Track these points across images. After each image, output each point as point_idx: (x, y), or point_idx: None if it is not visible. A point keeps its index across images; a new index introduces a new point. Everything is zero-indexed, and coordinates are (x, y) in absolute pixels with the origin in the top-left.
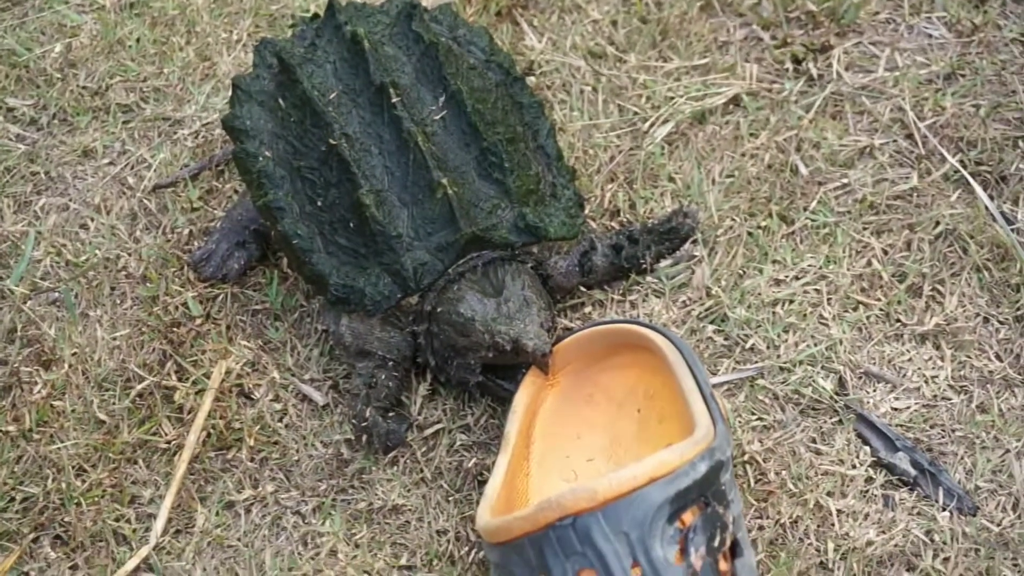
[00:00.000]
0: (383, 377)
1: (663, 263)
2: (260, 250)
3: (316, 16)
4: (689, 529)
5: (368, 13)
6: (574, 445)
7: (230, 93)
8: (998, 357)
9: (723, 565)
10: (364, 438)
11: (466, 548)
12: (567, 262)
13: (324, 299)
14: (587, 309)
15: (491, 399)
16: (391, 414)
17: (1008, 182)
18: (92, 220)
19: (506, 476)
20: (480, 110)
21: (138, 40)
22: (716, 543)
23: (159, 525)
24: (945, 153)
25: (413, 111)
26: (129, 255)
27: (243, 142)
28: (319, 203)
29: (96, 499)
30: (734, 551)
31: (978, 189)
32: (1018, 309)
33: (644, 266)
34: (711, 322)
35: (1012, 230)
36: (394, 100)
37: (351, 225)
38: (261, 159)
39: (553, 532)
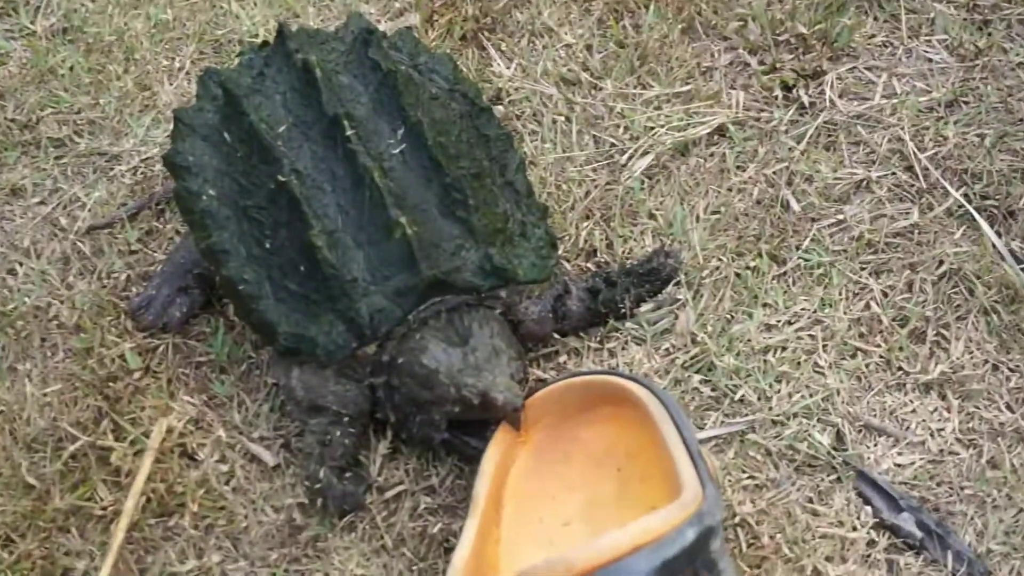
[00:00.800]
0: (338, 434)
1: (644, 307)
2: (204, 296)
3: (265, 43)
4: None
5: (322, 40)
6: (549, 508)
7: (172, 126)
8: (1009, 408)
9: None
10: (318, 501)
11: None
12: (539, 307)
13: (273, 349)
14: (562, 358)
15: (458, 458)
16: (347, 475)
17: (1016, 217)
18: (20, 265)
19: (475, 544)
20: (442, 143)
21: (72, 68)
22: None
23: None
24: (948, 186)
25: (369, 144)
26: (61, 303)
27: (185, 180)
28: (267, 245)
29: (25, 572)
30: None
31: (984, 225)
32: None
33: (623, 311)
34: (697, 372)
35: (1022, 269)
36: (349, 133)
37: (302, 269)
38: (204, 198)
39: None
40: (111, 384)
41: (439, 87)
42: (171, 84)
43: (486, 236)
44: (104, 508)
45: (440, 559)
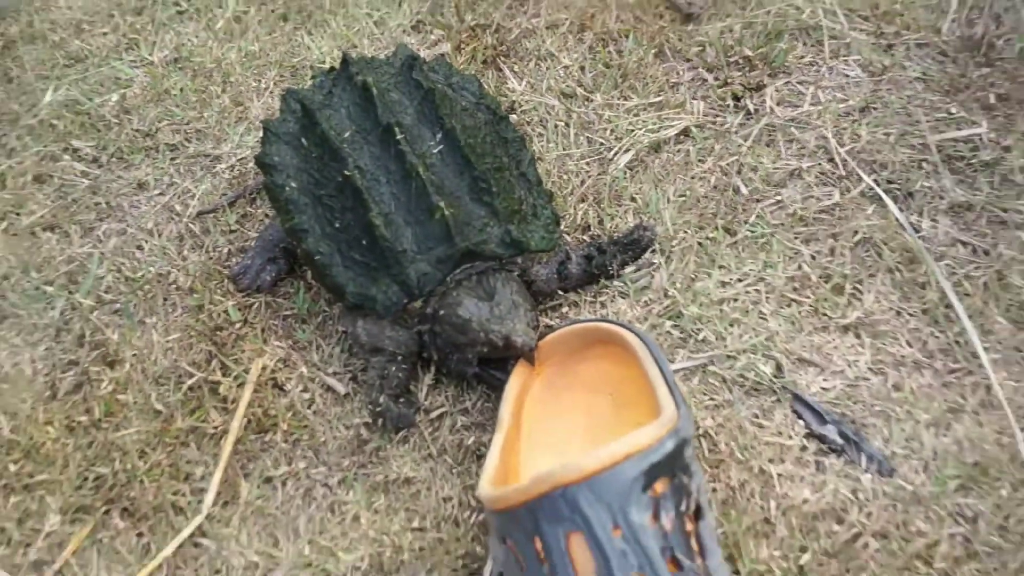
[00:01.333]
0: (393, 369)
1: (627, 270)
2: (288, 265)
3: (332, 68)
4: (660, 497)
5: (376, 65)
6: (556, 425)
7: (261, 134)
8: (908, 344)
9: (688, 526)
10: (379, 421)
11: (467, 512)
12: (547, 270)
13: (343, 305)
14: (564, 309)
15: (486, 387)
16: (401, 400)
17: (914, 197)
18: (146, 242)
19: (501, 452)
20: (471, 144)
21: (181, 90)
22: (683, 508)
23: (209, 498)
24: (862, 174)
25: (415, 146)
26: (178, 271)
27: (272, 175)
28: (336, 225)
29: (156, 477)
30: (697, 514)
31: (889, 203)
32: (924, 303)
33: (611, 272)
34: (668, 318)
35: (919, 237)
36: (399, 137)
37: (364, 243)
38: (288, 189)
39: (546, 501)
40: (218, 333)
41: (468, 101)
42: (259, 101)
43: (506, 216)
44: (215, 428)
45: (473, 463)
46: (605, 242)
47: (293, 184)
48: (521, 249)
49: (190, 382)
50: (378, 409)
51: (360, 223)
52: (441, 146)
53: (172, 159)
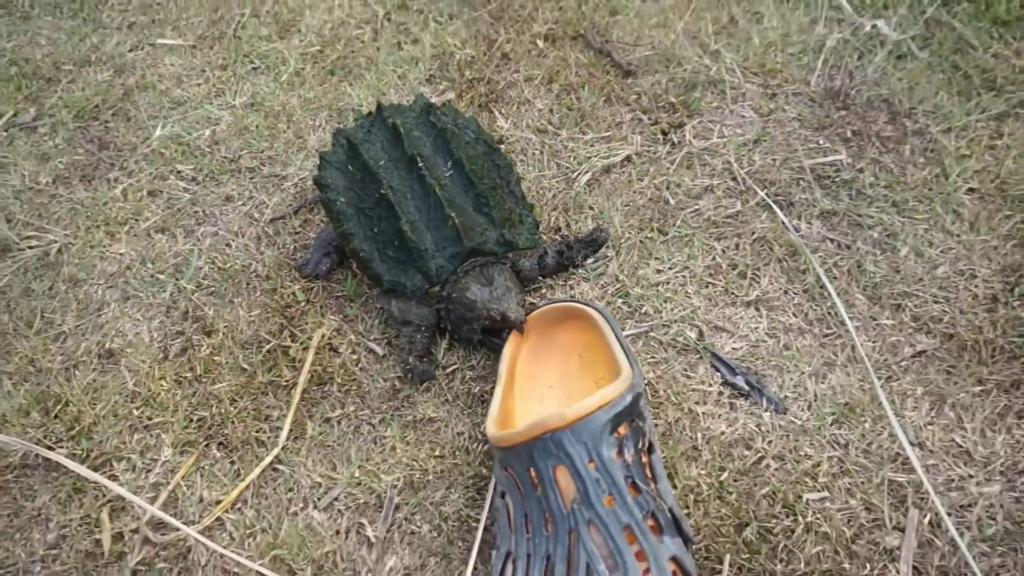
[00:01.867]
0: (419, 337)
1: (588, 261)
2: (339, 258)
3: (370, 113)
4: (623, 438)
5: (402, 110)
6: (540, 378)
7: (318, 161)
8: (794, 315)
9: (644, 459)
10: (409, 376)
11: (475, 444)
12: (530, 262)
13: (380, 289)
14: (543, 291)
15: (487, 349)
16: (425, 360)
17: (794, 206)
18: (233, 241)
19: (501, 400)
20: (474, 170)
21: (257, 127)
22: (639, 445)
23: (284, 434)
24: (757, 189)
25: (432, 171)
26: (257, 263)
27: (327, 193)
28: (375, 230)
29: (244, 418)
30: (650, 450)
31: (777, 211)
32: (804, 285)
33: (577, 263)
34: (619, 297)
35: (799, 235)
36: (420, 165)
37: (396, 243)
38: (338, 203)
39: (539, 442)
40: (288, 309)
41: (470, 136)
42: (314, 135)
43: (500, 223)
44: (287, 381)
45: (479, 406)
46: (572, 240)
47: (342, 199)
48: (512, 247)
49: (267, 347)
50: (408, 367)
51: (392, 229)
52: (451, 171)
53: (251, 178)
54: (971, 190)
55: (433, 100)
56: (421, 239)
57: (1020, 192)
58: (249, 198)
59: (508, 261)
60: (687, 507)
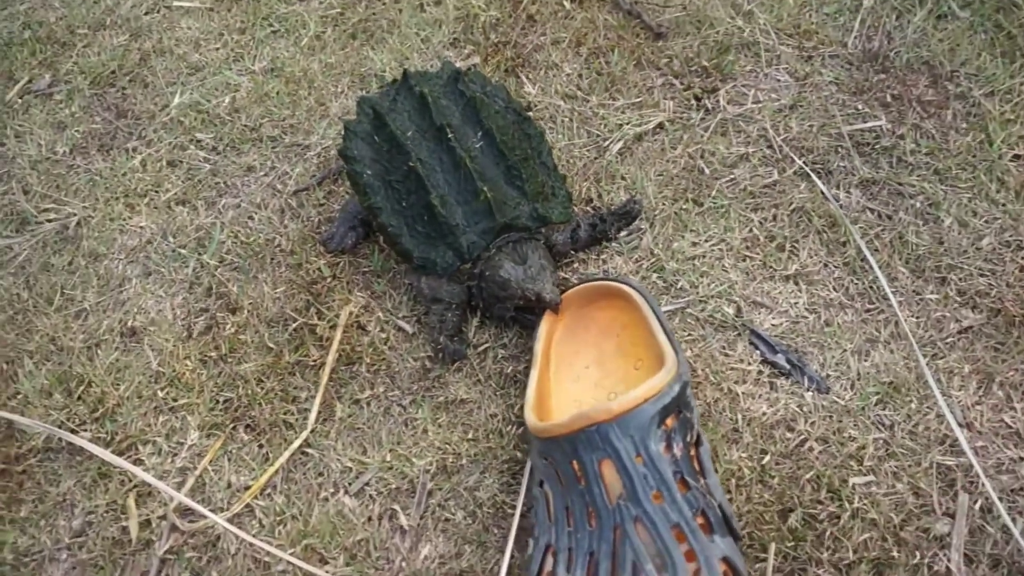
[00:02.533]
0: (449, 315)
1: (622, 234)
2: (365, 232)
3: (395, 80)
4: (671, 430)
5: (429, 78)
6: (576, 358)
7: (343, 131)
8: (835, 289)
9: (692, 452)
10: (440, 356)
11: (509, 426)
12: (563, 236)
13: (409, 266)
14: (575, 266)
15: (520, 326)
16: (455, 339)
17: (833, 175)
18: (256, 214)
19: (537, 383)
20: (504, 140)
21: (278, 93)
22: (688, 438)
23: (312, 416)
24: (795, 157)
25: (462, 142)
26: (281, 236)
27: (353, 165)
28: (403, 204)
29: (271, 400)
30: (697, 442)
31: (816, 180)
32: (845, 258)
33: (611, 236)
34: (654, 272)
35: (839, 205)
36: (449, 136)
37: (425, 218)
38: (365, 176)
39: (583, 435)
40: (314, 286)
41: (499, 105)
42: (336, 102)
43: (533, 196)
44: (314, 361)
45: (512, 387)
46: (605, 213)
47: (369, 172)
48: (545, 222)
49: (294, 325)
50: (439, 347)
51: (422, 203)
52: (481, 142)
53: (273, 148)
54: (1016, 157)
55: (459, 65)
56: (452, 214)
57: None
58: (271, 168)
59: (541, 236)
60: (729, 492)
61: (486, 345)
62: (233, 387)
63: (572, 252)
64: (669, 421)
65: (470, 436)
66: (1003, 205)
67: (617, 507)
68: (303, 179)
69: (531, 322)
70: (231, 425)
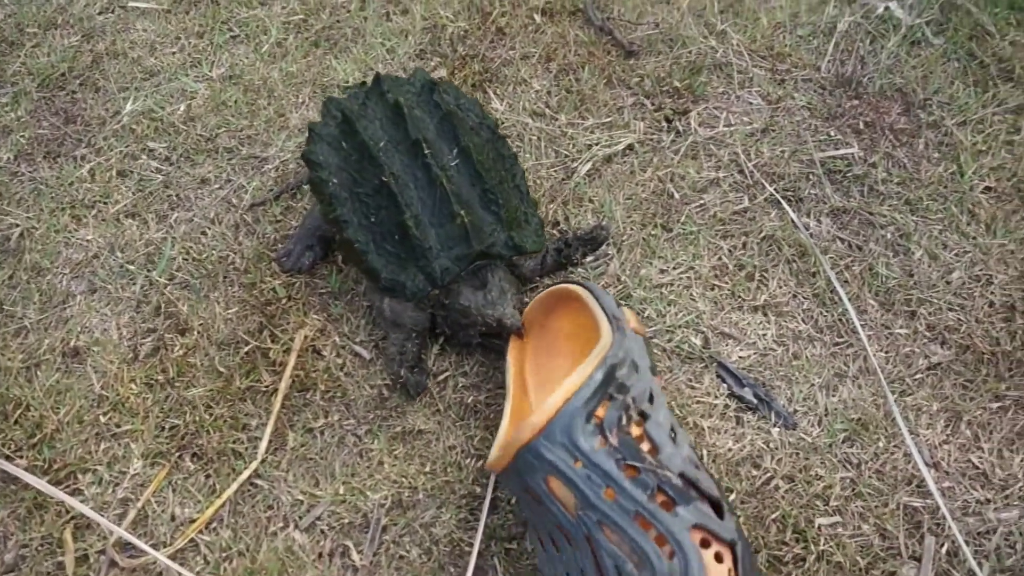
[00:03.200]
0: (409, 345)
1: (588, 259)
2: (324, 251)
3: (364, 83)
4: (604, 420)
5: (401, 83)
6: (554, 373)
7: (307, 134)
8: (803, 321)
9: (636, 431)
10: (399, 388)
11: (468, 459)
12: (533, 263)
13: (374, 285)
14: (538, 290)
15: (487, 353)
16: (416, 369)
17: (803, 202)
18: (209, 229)
19: (515, 404)
20: (481, 161)
21: (236, 102)
22: (624, 421)
23: (263, 445)
24: (766, 184)
25: (438, 159)
26: (235, 254)
27: (317, 171)
28: (372, 219)
29: (220, 427)
30: (643, 417)
31: (787, 207)
32: (815, 289)
33: (576, 262)
34: (621, 299)
35: (809, 235)
36: (426, 151)
37: (396, 237)
38: (331, 184)
39: (519, 460)
40: (268, 307)
41: (474, 121)
42: (297, 112)
43: (508, 223)
44: (266, 386)
45: (471, 418)
46: (571, 237)
47: (335, 180)
48: (520, 251)
49: (246, 348)
50: (398, 379)
51: (393, 220)
52: (457, 160)
53: (229, 159)
54: (987, 189)
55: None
56: (426, 236)
57: None
58: (227, 181)
59: (508, 262)
60: None
61: (446, 374)
62: (180, 413)
63: (537, 277)
64: (600, 411)
65: (427, 469)
66: (973, 238)
67: (579, 519)
68: (260, 193)
69: (499, 346)
70: (177, 454)
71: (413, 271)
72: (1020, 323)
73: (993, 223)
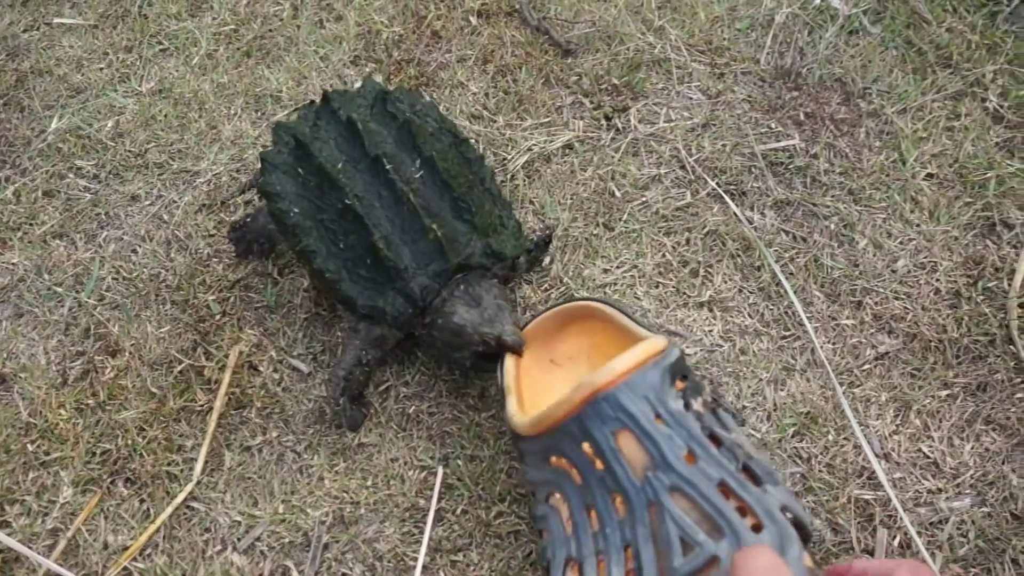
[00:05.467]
0: (357, 373)
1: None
2: (272, 248)
3: (312, 102)
4: (685, 390)
5: (351, 98)
6: (548, 395)
7: (260, 163)
8: (750, 316)
9: (714, 410)
10: (337, 418)
11: (411, 471)
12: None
13: (352, 315)
14: None
15: (480, 373)
16: (356, 402)
17: (747, 196)
18: (140, 247)
19: (518, 403)
20: (448, 168)
21: (165, 116)
22: (704, 397)
23: (199, 466)
24: (708, 178)
25: (401, 174)
26: (167, 271)
27: (277, 202)
28: (341, 245)
29: (153, 450)
30: (716, 403)
31: (729, 202)
32: (760, 283)
33: (540, 263)
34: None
35: (753, 228)
36: (388, 167)
37: (368, 261)
38: (292, 215)
39: (590, 408)
40: (201, 324)
41: (433, 127)
42: (229, 124)
43: (484, 230)
44: (201, 406)
45: (414, 428)
46: (539, 238)
47: (296, 210)
48: (500, 258)
49: (179, 367)
50: (336, 408)
51: (362, 244)
52: (421, 172)
53: (159, 175)
54: (929, 175)
55: (358, 83)
56: (398, 256)
57: (979, 177)
58: (157, 197)
59: (493, 274)
60: None
61: (387, 383)
62: (112, 437)
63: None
64: (678, 383)
65: (369, 483)
66: (917, 226)
67: (647, 481)
68: (191, 208)
69: (491, 369)
70: (109, 479)
71: (391, 295)
72: (966, 309)
73: (936, 210)
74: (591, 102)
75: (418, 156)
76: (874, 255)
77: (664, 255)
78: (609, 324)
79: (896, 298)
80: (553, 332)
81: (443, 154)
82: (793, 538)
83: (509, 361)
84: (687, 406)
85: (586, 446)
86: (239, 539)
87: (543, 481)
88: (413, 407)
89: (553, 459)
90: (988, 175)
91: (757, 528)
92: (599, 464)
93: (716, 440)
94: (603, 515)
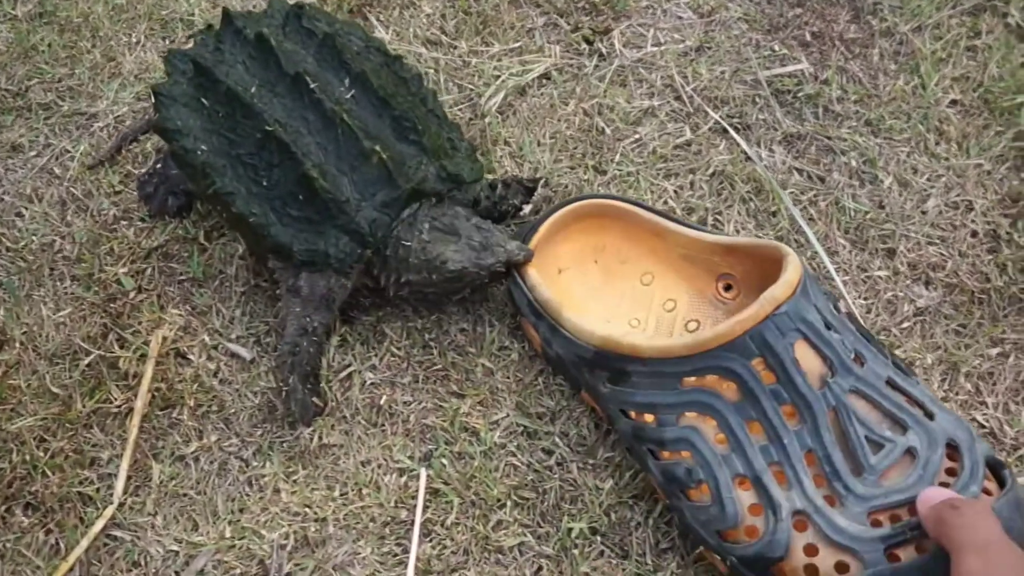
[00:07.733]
0: (305, 344)
1: (526, 209)
2: (190, 202)
3: (210, 27)
4: (828, 294)
5: (258, 18)
6: (573, 303)
7: (153, 98)
8: None
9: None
10: (290, 408)
11: (389, 475)
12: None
13: (287, 264)
14: None
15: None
16: (308, 386)
17: (752, 130)
18: (26, 209)
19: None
20: (383, 85)
21: (50, 45)
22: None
23: (120, 484)
24: (709, 110)
25: (328, 93)
26: (63, 238)
27: (179, 140)
28: (264, 183)
29: (60, 466)
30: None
31: (736, 136)
32: (779, 230)
33: (512, 210)
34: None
35: (764, 166)
36: (312, 86)
37: (300, 197)
38: (199, 152)
39: (772, 321)
40: (112, 303)
41: (358, 46)
42: (131, 55)
43: (435, 152)
44: (119, 407)
45: (387, 422)
46: (510, 177)
47: (204, 147)
48: (458, 182)
49: (87, 360)
50: (286, 389)
51: (291, 178)
52: (353, 90)
53: (46, 119)
54: (954, 102)
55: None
56: (337, 187)
57: (1008, 103)
58: (45, 146)
59: (455, 201)
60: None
61: (350, 369)
62: (4, 452)
63: None
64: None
65: (337, 494)
66: (945, 160)
67: (827, 387)
68: (88, 158)
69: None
70: (3, 506)
71: (333, 234)
72: (1007, 254)
73: (965, 141)
74: (568, 23)
75: (346, 74)
76: (901, 195)
77: (667, 201)
78: (618, 221)
79: (930, 243)
80: (551, 238)
81: (376, 71)
82: (966, 424)
83: (533, 275)
84: (838, 310)
85: (755, 362)
86: (178, 573)
87: (669, 404)
88: (384, 396)
89: (692, 379)
90: (1017, 100)
91: (931, 417)
92: (769, 377)
93: (869, 339)
94: (775, 427)
